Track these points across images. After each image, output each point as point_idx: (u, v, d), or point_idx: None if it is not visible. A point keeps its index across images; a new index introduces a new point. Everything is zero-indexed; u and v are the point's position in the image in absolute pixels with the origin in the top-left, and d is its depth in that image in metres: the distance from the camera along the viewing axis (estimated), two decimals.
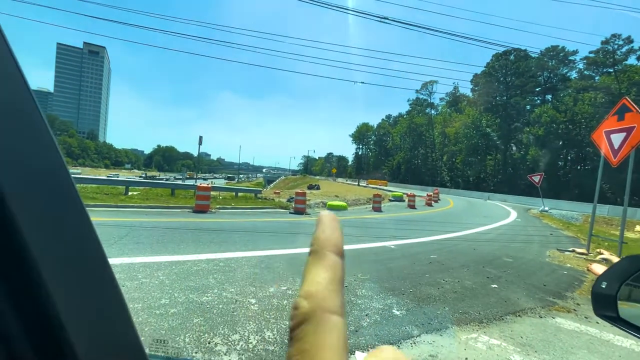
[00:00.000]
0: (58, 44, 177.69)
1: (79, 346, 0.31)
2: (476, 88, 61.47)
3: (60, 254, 0.31)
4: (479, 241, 8.39)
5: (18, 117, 0.30)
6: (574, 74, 48.13)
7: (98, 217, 7.26)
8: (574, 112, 40.79)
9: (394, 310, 3.35)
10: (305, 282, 0.20)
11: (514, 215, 18.19)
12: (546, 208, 23.04)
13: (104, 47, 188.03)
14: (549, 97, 50.51)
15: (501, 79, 55.58)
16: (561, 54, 49.11)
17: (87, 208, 0.35)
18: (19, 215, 0.28)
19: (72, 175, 0.34)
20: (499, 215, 17.19)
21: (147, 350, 0.36)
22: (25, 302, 0.29)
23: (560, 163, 44.40)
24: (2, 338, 0.29)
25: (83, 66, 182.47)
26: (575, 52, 48.09)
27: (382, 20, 15.22)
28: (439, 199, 27.24)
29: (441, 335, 2.91)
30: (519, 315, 3.58)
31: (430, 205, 21.10)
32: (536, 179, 21.04)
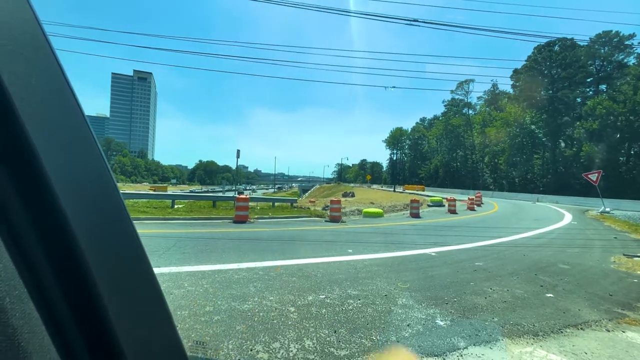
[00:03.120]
0: (112, 73, 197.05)
1: (128, 349, 0.34)
2: (517, 84, 57.83)
3: (110, 263, 0.34)
4: (530, 247, 7.77)
5: (75, 139, 0.34)
6: (632, 60, 43.52)
7: (148, 230, 7.76)
8: (635, 102, 36.73)
9: (437, 321, 3.19)
10: None
11: (568, 217, 16.64)
12: (607, 209, 20.78)
13: (151, 73, 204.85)
14: (603, 87, 46.05)
15: (545, 71, 51.80)
16: (615, 39, 44.72)
17: (137, 221, 0.39)
18: (74, 228, 0.31)
19: (123, 192, 0.39)
20: (551, 218, 15.80)
21: (187, 352, 0.39)
22: (80, 308, 0.32)
23: (621, 159, 39.98)
24: (62, 343, 0.31)
25: (134, 92, 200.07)
26: (632, 36, 43.58)
27: (411, 23, 14.95)
28: (482, 203, 25.74)
29: (491, 348, 2.72)
30: (581, 328, 3.24)
31: (472, 209, 20.04)
32: (593, 177, 19.12)
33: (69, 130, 0.33)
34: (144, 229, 7.53)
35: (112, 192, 0.36)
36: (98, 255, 0.32)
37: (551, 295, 4.20)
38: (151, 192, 25.29)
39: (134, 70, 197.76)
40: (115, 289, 0.33)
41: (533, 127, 49.84)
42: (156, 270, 4.20)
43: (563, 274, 5.26)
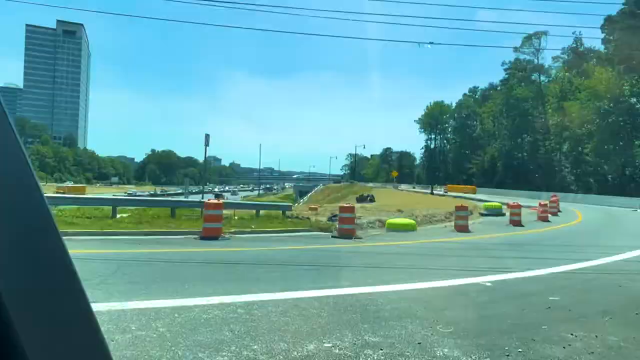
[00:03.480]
0: (27, 25, 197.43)
1: None
2: (611, 38, 57.39)
3: (30, 294, 0.33)
4: (629, 274, 7.74)
5: None
6: None
7: (79, 249, 7.77)
8: None
9: None
10: None
11: None
12: None
13: (82, 25, 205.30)
14: None
15: None
16: None
17: (64, 237, 0.39)
18: None
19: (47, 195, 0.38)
20: None
21: None
22: None
23: None
24: None
25: (57, 52, 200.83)
26: None
27: None
28: (560, 211, 25.64)
29: None
30: None
31: (545, 220, 19.96)
32: None
33: None
34: (73, 249, 7.39)
35: (33, 196, 0.35)
36: (11, 285, 0.32)
37: None
38: (59, 195, 25.37)
39: (58, 21, 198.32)
40: (38, 331, 0.33)
41: (634, 100, 49.43)
42: (91, 306, 4.25)
43: None
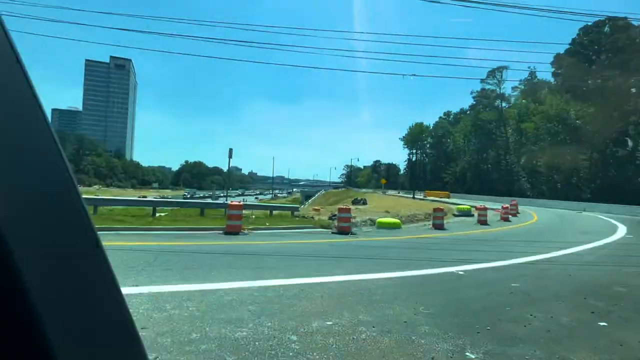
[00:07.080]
0: (86, 60, 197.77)
1: None
2: (559, 71, 56.90)
3: (67, 288, 0.32)
4: (577, 265, 7.61)
5: (32, 141, 0.33)
6: None
7: (125, 241, 7.74)
8: None
9: (467, 353, 3.11)
10: None
11: (622, 230, 16.23)
12: None
13: (130, 60, 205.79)
14: None
15: (593, 57, 51.02)
16: None
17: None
18: (19, 245, 0.30)
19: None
20: (602, 231, 15.43)
21: None
22: (25, 340, 0.31)
23: None
24: None
25: (110, 81, 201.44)
26: None
27: None
28: (518, 212, 25.39)
29: None
30: None
31: (507, 220, 19.80)
32: None
33: (18, 123, 0.33)
34: (120, 241, 7.66)
35: (69, 197, 0.34)
36: (51, 280, 0.31)
37: (605, 323, 4.11)
38: (113, 197, 25.49)
39: (111, 57, 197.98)
40: (65, 311, 0.33)
41: (578, 122, 48.85)
42: (134, 289, 4.30)
43: (619, 299, 5.15)
